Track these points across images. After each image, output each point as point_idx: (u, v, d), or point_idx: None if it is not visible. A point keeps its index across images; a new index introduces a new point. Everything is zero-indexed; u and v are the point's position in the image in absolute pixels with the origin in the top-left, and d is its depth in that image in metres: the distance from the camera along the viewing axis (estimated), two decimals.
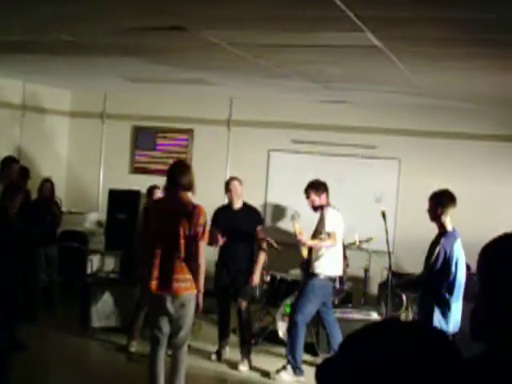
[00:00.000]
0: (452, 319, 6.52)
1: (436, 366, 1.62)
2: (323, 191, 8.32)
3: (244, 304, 8.66)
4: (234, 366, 8.55)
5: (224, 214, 8.69)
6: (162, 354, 6.94)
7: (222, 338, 8.88)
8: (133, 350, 8.66)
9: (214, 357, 8.74)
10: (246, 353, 8.62)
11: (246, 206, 8.83)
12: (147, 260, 6.75)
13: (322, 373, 1.73)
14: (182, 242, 6.61)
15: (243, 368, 8.52)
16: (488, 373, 1.83)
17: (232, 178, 8.89)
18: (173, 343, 6.88)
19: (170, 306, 6.66)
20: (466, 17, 4.90)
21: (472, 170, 10.96)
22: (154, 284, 6.67)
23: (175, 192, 6.71)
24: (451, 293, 6.52)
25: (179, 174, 6.73)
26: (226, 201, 9.22)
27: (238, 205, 8.73)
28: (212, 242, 8.47)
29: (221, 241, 8.49)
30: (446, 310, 6.53)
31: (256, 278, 8.69)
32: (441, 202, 6.65)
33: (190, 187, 6.75)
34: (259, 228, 8.75)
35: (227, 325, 8.94)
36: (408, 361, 1.61)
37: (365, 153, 11.40)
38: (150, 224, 6.81)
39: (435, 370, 1.62)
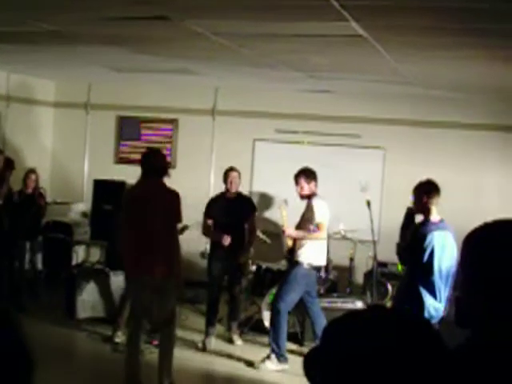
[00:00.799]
0: (426, 310, 6.47)
1: (419, 354, 1.62)
2: (312, 179, 8.32)
3: (238, 289, 9.01)
4: (219, 355, 8.59)
5: (218, 204, 8.92)
6: (142, 341, 7.23)
7: (209, 326, 8.91)
8: (118, 340, 8.64)
9: (200, 345, 8.76)
10: (237, 328, 8.98)
11: (240, 196, 9.05)
12: (129, 246, 6.98)
13: (308, 363, 1.73)
14: (163, 226, 6.83)
15: (239, 342, 8.93)
16: (472, 361, 1.84)
17: (232, 169, 9.02)
18: (160, 322, 7.10)
19: (152, 286, 6.89)
20: (452, 6, 4.90)
21: (458, 159, 10.98)
22: (137, 267, 6.91)
23: (153, 178, 6.93)
24: (425, 284, 6.47)
25: (155, 160, 6.99)
26: (213, 189, 9.34)
27: (233, 194, 8.91)
28: (207, 233, 9.03)
29: (227, 240, 8.69)
30: (417, 301, 6.49)
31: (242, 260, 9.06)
32: (426, 191, 6.65)
33: (165, 172, 6.98)
34: (252, 218, 9.02)
35: (215, 314, 8.99)
36: (390, 349, 1.61)
37: (350, 142, 11.40)
38: (130, 211, 7.03)
39: (418, 359, 1.62)
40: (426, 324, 1.73)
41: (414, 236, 6.63)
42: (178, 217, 6.95)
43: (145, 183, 7.04)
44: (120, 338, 8.62)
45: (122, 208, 7.21)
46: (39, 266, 10.53)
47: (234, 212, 8.85)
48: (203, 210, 9.07)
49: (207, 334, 8.88)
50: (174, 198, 6.86)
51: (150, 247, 6.82)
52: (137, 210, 6.92)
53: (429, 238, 6.44)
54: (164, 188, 6.93)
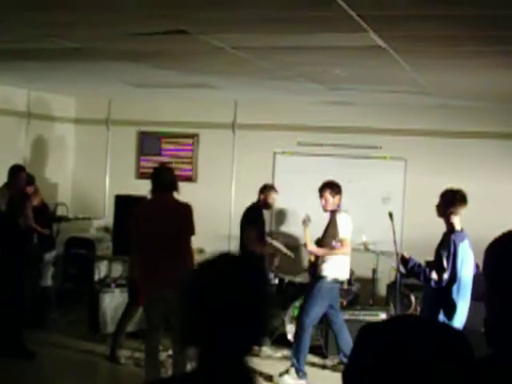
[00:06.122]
0: (456, 319, 6.46)
1: (455, 368, 1.60)
2: (337, 193, 8.26)
3: None
4: None
5: (259, 215, 9.04)
6: (159, 353, 7.35)
7: None
8: (123, 361, 8.63)
9: None
10: None
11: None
12: (142, 261, 7.10)
13: (345, 375, 1.71)
14: (176, 239, 6.87)
15: None
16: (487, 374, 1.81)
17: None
18: (176, 337, 7.08)
19: (168, 300, 6.78)
20: (471, 14, 4.86)
21: (479, 168, 10.90)
22: (152, 282, 6.98)
23: (164, 193, 7.02)
24: (457, 293, 6.48)
25: (165, 176, 7.12)
26: (234, 203, 9.40)
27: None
28: (250, 244, 9.10)
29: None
30: (450, 311, 6.49)
31: None
32: (453, 201, 6.62)
33: (175, 187, 7.09)
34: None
35: None
36: (427, 360, 1.58)
37: (371, 154, 11.36)
38: (142, 226, 7.06)
39: (455, 371, 1.59)
40: (462, 337, 1.69)
41: (445, 246, 6.59)
42: (190, 229, 6.97)
43: (155, 199, 7.16)
44: (123, 359, 8.63)
45: (133, 224, 7.24)
46: (48, 281, 10.44)
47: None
48: (223, 223, 9.10)
49: None
50: (185, 210, 6.92)
51: (163, 261, 6.84)
52: (147, 226, 6.98)
53: (460, 251, 6.46)
54: (174, 202, 7.02)
